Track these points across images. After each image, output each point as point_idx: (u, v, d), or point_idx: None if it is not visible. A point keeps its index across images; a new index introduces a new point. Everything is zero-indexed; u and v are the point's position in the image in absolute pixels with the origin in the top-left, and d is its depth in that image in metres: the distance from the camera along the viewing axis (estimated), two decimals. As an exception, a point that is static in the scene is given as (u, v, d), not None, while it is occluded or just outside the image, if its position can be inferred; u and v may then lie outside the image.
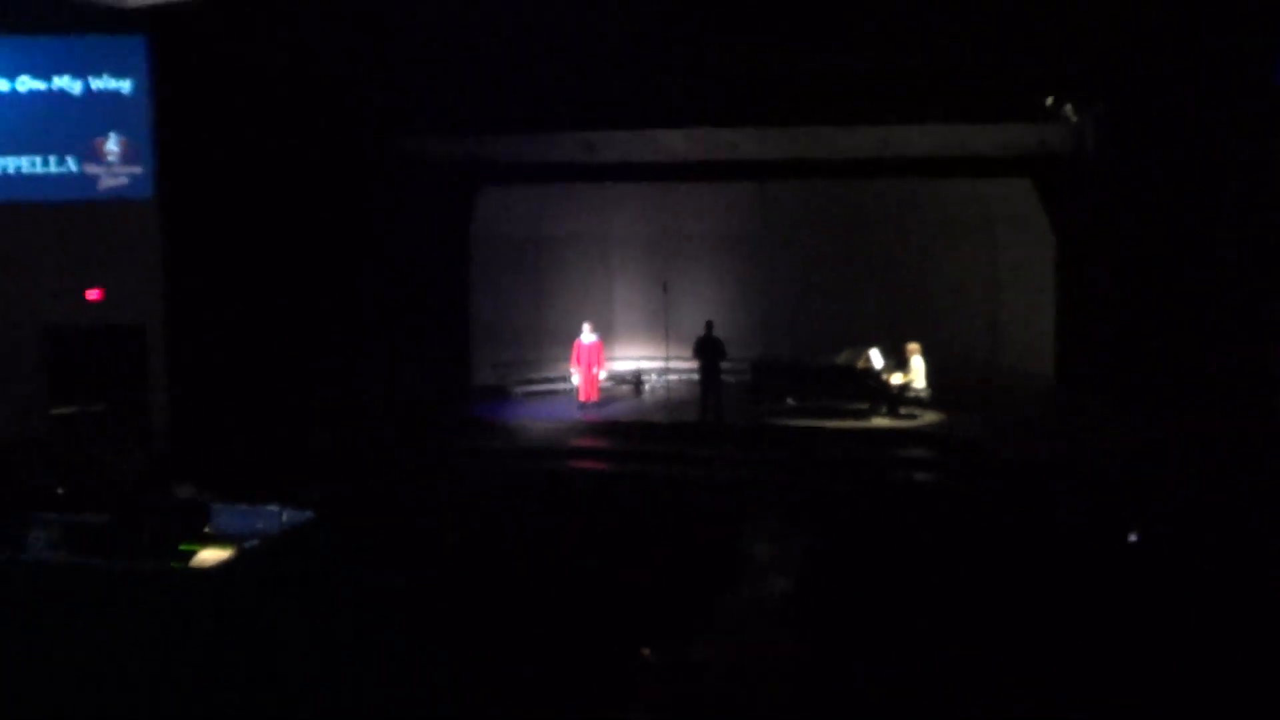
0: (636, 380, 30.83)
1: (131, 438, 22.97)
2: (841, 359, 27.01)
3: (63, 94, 23.95)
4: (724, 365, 27.05)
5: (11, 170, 23.74)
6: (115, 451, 21.91)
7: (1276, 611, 13.11)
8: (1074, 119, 24.29)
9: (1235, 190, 23.54)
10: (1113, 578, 14.51)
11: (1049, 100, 23.97)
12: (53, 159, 23.88)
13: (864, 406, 26.62)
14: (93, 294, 23.95)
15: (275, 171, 25.59)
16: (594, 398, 28.00)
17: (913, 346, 26.68)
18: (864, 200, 30.42)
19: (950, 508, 19.69)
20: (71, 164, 23.94)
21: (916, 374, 26.53)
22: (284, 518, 14.21)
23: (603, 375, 28.43)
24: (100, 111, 24.11)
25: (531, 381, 30.55)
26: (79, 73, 24.02)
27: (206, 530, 14.04)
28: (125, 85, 24.18)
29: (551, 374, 30.54)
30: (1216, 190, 24.06)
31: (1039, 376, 27.99)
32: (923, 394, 26.51)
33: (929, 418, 26.37)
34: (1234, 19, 22.47)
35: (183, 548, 13.51)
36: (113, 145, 24.11)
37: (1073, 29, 22.88)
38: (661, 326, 28.94)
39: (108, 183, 24.13)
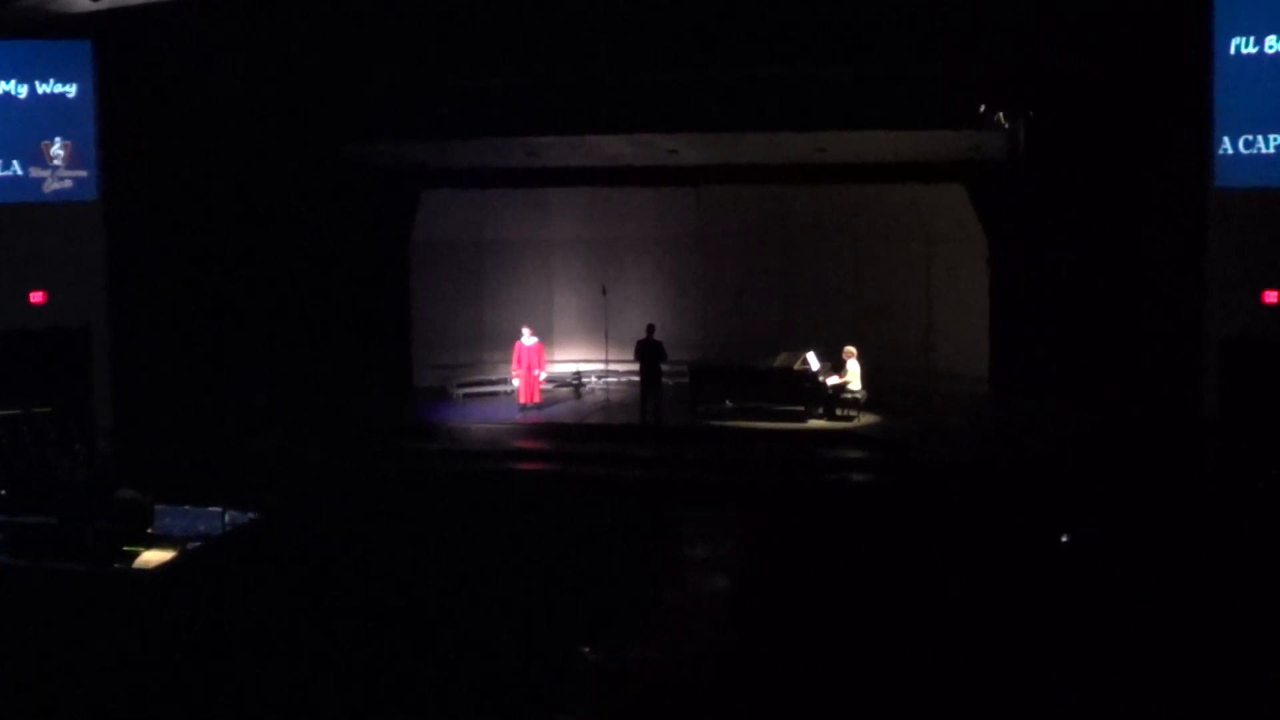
0: (576, 382, 30.86)
1: (76, 440, 22.80)
2: (779, 362, 27.11)
3: (7, 97, 23.98)
4: (664, 367, 27.17)
5: (-44, 173, 23.68)
6: (59, 454, 21.90)
7: (1209, 605, 13.47)
8: (1006, 125, 24.42)
9: (1162, 192, 23.88)
10: (1045, 576, 14.81)
11: (981, 107, 24.08)
12: (-3, 162, 23.80)
13: (801, 408, 26.73)
14: (36, 297, 23.95)
15: (219, 176, 25.65)
16: (535, 399, 27.98)
17: (849, 350, 26.76)
18: (800, 205, 30.48)
19: (886, 507, 19.95)
20: (16, 167, 24.03)
21: (852, 376, 26.60)
22: (226, 519, 14.60)
23: (544, 377, 28.42)
24: (45, 115, 24.19)
25: (472, 384, 30.53)
26: (24, 76, 24.06)
27: (150, 531, 14.26)
28: (71, 89, 24.29)
29: (492, 376, 30.57)
30: (1144, 193, 24.39)
31: (973, 379, 28.18)
32: (859, 396, 26.58)
33: (865, 419, 26.48)
34: (1162, 25, 22.79)
35: (126, 549, 13.75)
36: (58, 149, 24.22)
37: (1003, 36, 23.00)
38: (601, 329, 29.05)
39: (53, 186, 24.24)
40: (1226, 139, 22.02)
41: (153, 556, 13.83)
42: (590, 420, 27.80)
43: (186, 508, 14.84)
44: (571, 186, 31.13)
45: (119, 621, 12.74)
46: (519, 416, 27.73)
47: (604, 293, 28.96)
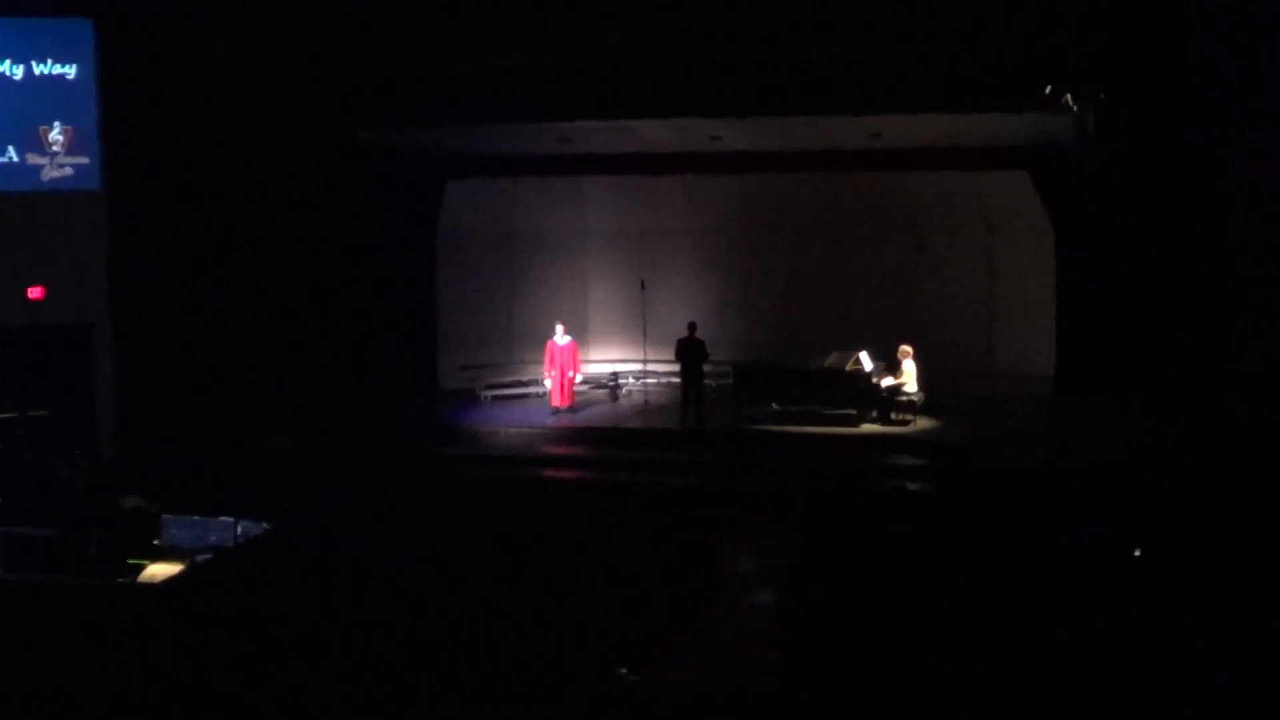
0: (613, 384, 30.52)
1: (76, 445, 22.79)
2: (829, 362, 26.50)
3: (2, 79, 23.75)
4: (706, 368, 26.69)
5: (-53, 160, 23.69)
6: (59, 460, 21.79)
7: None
8: (1074, 108, 23.78)
9: (1240, 181, 23.60)
10: (1113, 591, 13.97)
11: (1047, 89, 23.40)
12: (-9, 148, 23.83)
13: (853, 411, 26.19)
14: (34, 292, 23.71)
15: (229, 163, 25.30)
16: (568, 402, 27.56)
17: (904, 349, 26.15)
18: (852, 194, 30.06)
19: (943, 518, 19.44)
20: (12, 153, 23.72)
21: (908, 377, 25.99)
22: (239, 530, 14.30)
23: (578, 379, 28.03)
24: (43, 98, 23.99)
25: (501, 385, 30.17)
26: (20, 56, 23.81)
27: (156, 543, 14.06)
28: (70, 70, 24.07)
29: (523, 377, 30.25)
30: (1221, 182, 24.17)
31: (1037, 379, 27.85)
32: (915, 398, 26.00)
33: (921, 423, 25.93)
34: (1237, 6, 22.33)
35: (131, 562, 13.61)
36: (56, 134, 23.98)
37: (1072, 14, 22.57)
38: (639, 327, 28.67)
39: (51, 174, 23.99)
40: (1313, 119, 21.57)
41: (160, 570, 13.61)
42: (627, 424, 27.27)
43: (196, 517, 14.41)
44: (607, 174, 30.88)
45: (123, 640, 12.19)
46: (551, 420, 27.14)
47: (642, 288, 28.48)
